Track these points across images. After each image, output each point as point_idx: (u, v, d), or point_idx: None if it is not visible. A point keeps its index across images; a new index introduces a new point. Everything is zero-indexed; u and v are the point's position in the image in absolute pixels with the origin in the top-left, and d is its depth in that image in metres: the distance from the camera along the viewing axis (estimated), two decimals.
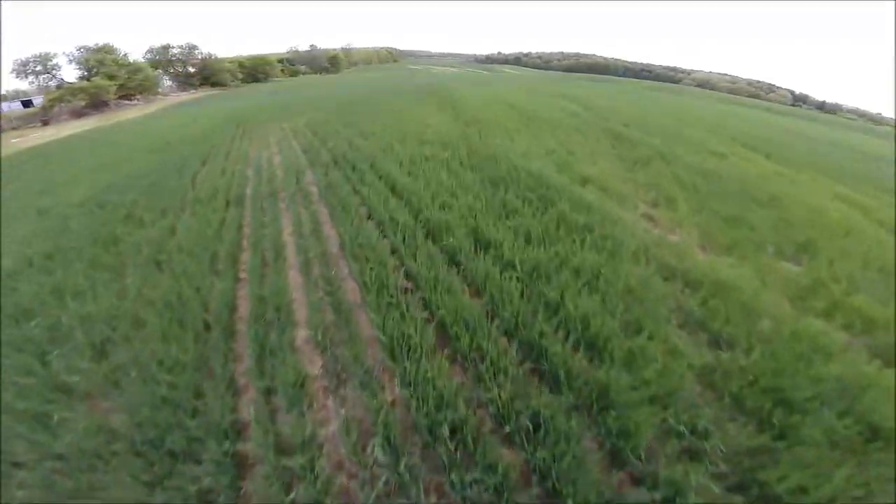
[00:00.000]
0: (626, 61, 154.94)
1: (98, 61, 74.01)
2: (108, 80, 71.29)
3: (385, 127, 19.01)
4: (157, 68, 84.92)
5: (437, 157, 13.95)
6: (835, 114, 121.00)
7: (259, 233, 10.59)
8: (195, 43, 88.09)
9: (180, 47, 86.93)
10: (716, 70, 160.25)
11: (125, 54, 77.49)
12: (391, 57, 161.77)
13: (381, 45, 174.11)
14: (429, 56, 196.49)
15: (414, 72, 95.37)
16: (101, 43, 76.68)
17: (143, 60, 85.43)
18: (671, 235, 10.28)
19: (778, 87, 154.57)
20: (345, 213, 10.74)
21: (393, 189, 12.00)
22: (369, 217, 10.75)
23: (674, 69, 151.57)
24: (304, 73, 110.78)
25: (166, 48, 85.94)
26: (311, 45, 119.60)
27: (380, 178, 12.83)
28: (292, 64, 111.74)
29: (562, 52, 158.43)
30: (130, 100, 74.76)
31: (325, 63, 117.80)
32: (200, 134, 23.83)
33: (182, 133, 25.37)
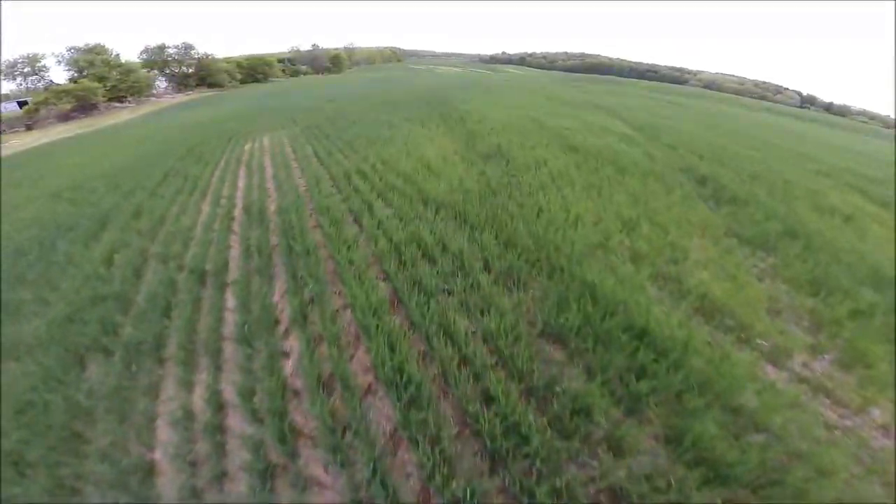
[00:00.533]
0: (630, 61, 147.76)
1: (88, 62, 67.97)
2: (97, 81, 65.38)
3: (369, 166, 12.99)
4: (151, 69, 78.78)
5: (445, 241, 7.94)
6: (844, 116, 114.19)
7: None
8: (191, 42, 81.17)
9: (176, 47, 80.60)
10: (721, 71, 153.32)
11: (117, 55, 71.33)
12: (395, 56, 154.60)
13: (385, 45, 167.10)
14: (432, 55, 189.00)
15: (416, 72, 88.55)
16: (92, 43, 70.54)
17: (138, 60, 79.51)
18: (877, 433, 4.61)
19: (785, 89, 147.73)
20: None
21: (356, 349, 6.01)
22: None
23: (679, 70, 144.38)
24: (305, 73, 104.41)
25: (162, 48, 79.61)
26: (313, 45, 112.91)
27: (332, 322, 6.63)
28: (293, 64, 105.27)
29: (566, 53, 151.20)
30: (122, 101, 68.72)
31: (327, 63, 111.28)
32: (131, 166, 17.88)
33: (118, 163, 19.42)
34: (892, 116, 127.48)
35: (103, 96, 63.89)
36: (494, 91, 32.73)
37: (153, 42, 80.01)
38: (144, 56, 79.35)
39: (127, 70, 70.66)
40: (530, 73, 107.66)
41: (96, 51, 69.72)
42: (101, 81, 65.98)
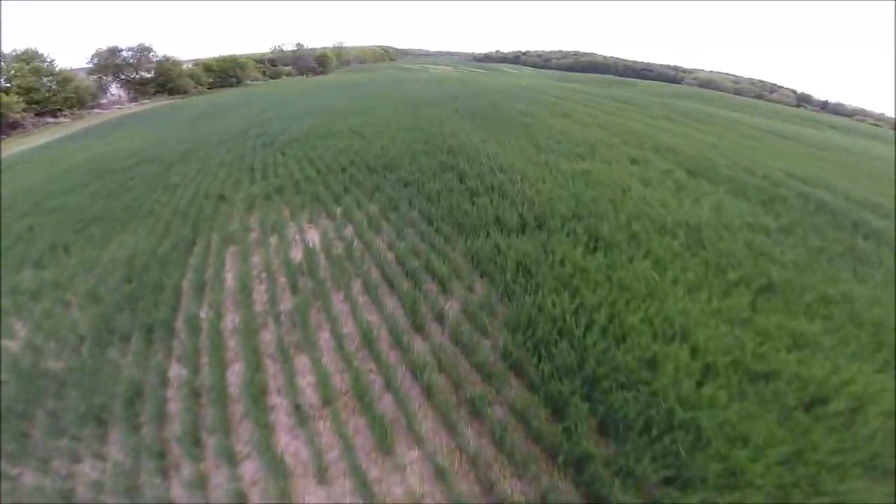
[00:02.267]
0: (626, 60, 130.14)
1: (16, 71, 51.27)
2: (25, 93, 48.95)
3: None
4: (103, 75, 61.77)
5: None
6: (841, 115, 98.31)
7: None
8: (148, 44, 63.82)
9: (130, 49, 63.29)
10: (714, 69, 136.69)
11: (51, 61, 54.30)
12: (387, 55, 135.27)
13: (377, 44, 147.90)
14: (426, 54, 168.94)
15: (406, 74, 70.73)
16: (20, 49, 53.50)
17: (88, 65, 62.55)
18: None
19: (780, 87, 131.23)
20: None
21: None
22: None
23: (675, 68, 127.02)
24: (287, 75, 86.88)
25: (114, 51, 62.34)
26: (297, 44, 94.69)
27: None
28: (274, 65, 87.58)
29: (560, 51, 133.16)
30: (56, 116, 52.19)
31: (313, 63, 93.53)
32: None
33: None
34: (886, 115, 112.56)
35: (24, 111, 47.36)
36: (537, 123, 16.88)
37: (121, 45, 62.37)
38: (96, 61, 62.25)
39: (64, 79, 53.90)
40: (527, 73, 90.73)
41: (25, 57, 52.78)
42: (28, 93, 49.61)
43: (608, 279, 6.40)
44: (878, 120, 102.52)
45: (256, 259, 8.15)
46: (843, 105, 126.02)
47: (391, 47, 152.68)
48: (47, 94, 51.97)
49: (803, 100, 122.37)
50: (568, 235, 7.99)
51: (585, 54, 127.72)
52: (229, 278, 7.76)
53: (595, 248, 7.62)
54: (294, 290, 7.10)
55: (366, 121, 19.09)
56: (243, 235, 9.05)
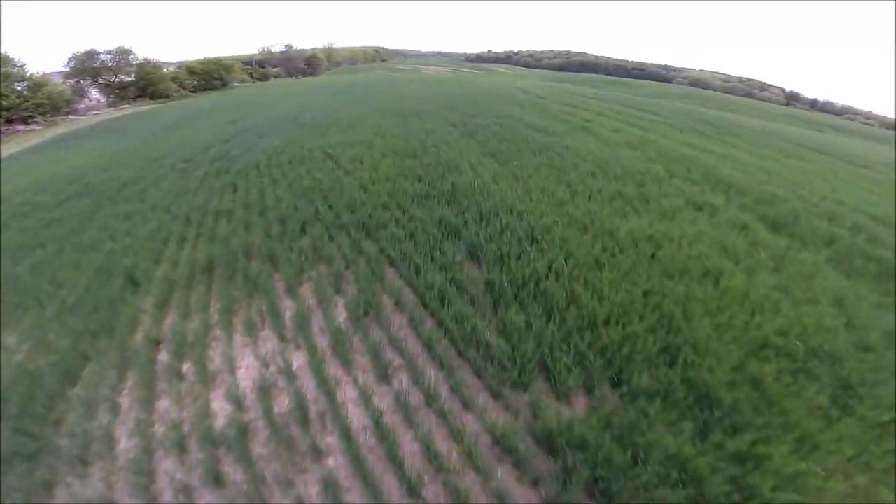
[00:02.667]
0: (617, 59, 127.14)
1: None
2: None
3: None
4: (80, 79, 57.53)
5: None
6: (831, 114, 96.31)
7: None
8: (128, 47, 59.63)
9: (109, 52, 59.08)
10: (704, 68, 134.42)
11: (22, 65, 50.17)
12: (378, 56, 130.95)
13: (369, 44, 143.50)
14: (418, 54, 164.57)
15: (396, 76, 66.85)
16: None
17: (66, 69, 58.23)
18: None
19: (770, 86, 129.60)
20: None
21: None
22: None
23: (666, 67, 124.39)
24: (275, 77, 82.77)
25: (91, 55, 58.11)
26: (286, 45, 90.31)
27: None
28: (262, 66, 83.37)
29: (552, 51, 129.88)
30: (28, 123, 48.15)
31: (302, 64, 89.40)
32: None
33: None
34: (874, 112, 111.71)
35: None
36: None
37: (99, 48, 58.32)
38: (73, 64, 57.99)
39: (36, 84, 49.82)
40: (520, 73, 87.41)
41: None
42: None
43: (737, 488, 3.41)
44: (868, 118, 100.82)
45: (164, 405, 5.06)
46: (832, 103, 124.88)
47: (383, 48, 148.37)
48: (17, 101, 47.91)
49: (792, 98, 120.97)
50: (666, 399, 4.58)
51: (577, 54, 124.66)
52: (123, 441, 4.70)
53: (707, 425, 4.35)
54: (214, 479, 4.09)
55: (345, 139, 15.91)
56: (147, 357, 5.91)
